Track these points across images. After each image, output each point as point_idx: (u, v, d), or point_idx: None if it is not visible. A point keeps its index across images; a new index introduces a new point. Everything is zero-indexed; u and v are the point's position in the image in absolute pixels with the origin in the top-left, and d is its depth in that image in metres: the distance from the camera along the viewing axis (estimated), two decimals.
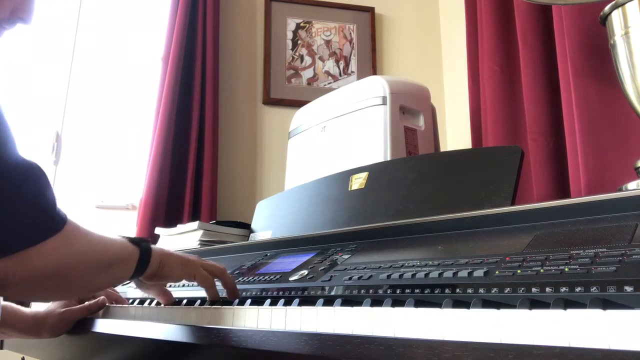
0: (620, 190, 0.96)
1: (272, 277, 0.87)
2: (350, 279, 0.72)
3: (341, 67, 2.40)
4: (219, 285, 0.85)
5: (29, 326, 0.94)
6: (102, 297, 0.98)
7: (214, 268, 0.85)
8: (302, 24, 2.40)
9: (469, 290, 0.57)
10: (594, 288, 0.48)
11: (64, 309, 0.94)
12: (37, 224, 0.63)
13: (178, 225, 1.52)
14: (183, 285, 1.01)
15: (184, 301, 0.92)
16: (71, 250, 0.67)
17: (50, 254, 0.64)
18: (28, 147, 2.10)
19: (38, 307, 0.98)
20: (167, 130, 2.00)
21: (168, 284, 0.93)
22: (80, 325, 0.94)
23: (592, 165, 1.25)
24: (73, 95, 2.19)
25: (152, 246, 0.79)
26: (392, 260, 0.73)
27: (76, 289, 0.74)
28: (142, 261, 0.77)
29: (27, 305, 1.02)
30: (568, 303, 0.47)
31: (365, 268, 0.74)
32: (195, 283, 0.85)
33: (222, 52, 2.26)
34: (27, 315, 0.95)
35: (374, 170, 1.11)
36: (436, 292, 0.60)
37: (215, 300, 0.84)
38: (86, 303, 0.96)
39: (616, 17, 1.03)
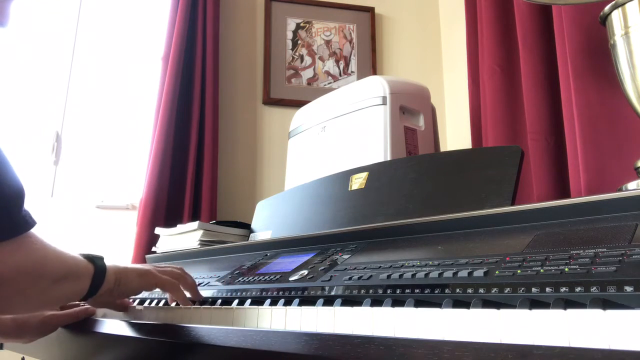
0: (620, 190, 0.96)
1: (272, 277, 0.87)
2: (350, 279, 0.72)
3: (341, 67, 2.40)
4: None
5: (8, 328, 0.92)
6: (90, 306, 0.97)
7: (172, 273, 0.85)
8: (302, 24, 2.40)
9: (469, 290, 0.57)
10: (594, 288, 0.48)
11: (49, 313, 0.92)
12: None
13: (178, 225, 1.52)
14: None
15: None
16: (26, 257, 0.65)
17: (5, 259, 0.63)
18: (28, 147, 2.10)
19: None
20: (167, 130, 2.00)
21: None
22: (80, 325, 0.94)
23: (592, 165, 1.25)
24: (73, 95, 2.19)
25: (107, 264, 0.78)
26: (392, 260, 0.73)
27: (28, 300, 0.71)
28: (97, 278, 0.76)
29: None
30: (568, 303, 0.47)
31: (365, 268, 0.74)
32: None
33: (222, 52, 2.26)
34: (6, 317, 0.93)
35: (374, 170, 1.11)
36: (436, 292, 0.60)
37: (185, 303, 0.85)
38: (74, 309, 0.95)
39: (616, 17, 1.03)
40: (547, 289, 0.51)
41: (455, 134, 2.26)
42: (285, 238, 1.09)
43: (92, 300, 0.80)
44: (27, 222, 0.66)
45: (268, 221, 1.37)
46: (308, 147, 1.54)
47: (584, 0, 1.22)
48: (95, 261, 0.77)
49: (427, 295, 0.60)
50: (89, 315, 0.94)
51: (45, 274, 0.69)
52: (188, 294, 0.89)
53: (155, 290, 1.06)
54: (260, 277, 0.90)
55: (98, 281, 0.76)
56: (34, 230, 0.67)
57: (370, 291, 0.67)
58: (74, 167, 2.13)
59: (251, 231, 1.43)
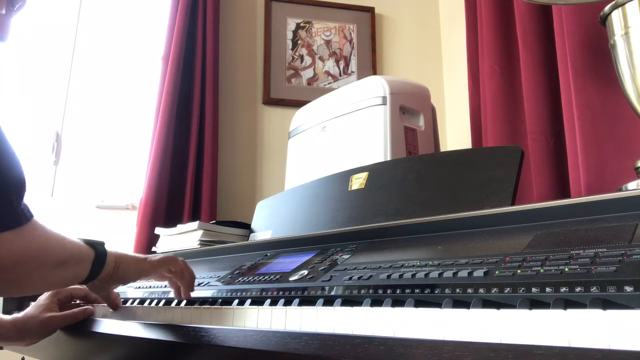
0: (620, 190, 0.96)
1: (272, 277, 0.87)
2: (350, 279, 0.72)
3: (341, 67, 2.40)
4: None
5: (9, 332, 0.92)
6: (89, 306, 0.97)
7: (164, 258, 0.87)
8: (302, 24, 2.40)
9: (469, 290, 0.57)
10: (594, 288, 0.48)
11: (48, 315, 0.93)
12: (0, 214, 0.64)
13: (178, 225, 1.52)
14: None
15: (184, 301, 0.92)
16: (28, 244, 0.67)
17: (8, 246, 0.64)
18: (28, 147, 2.10)
19: (16, 313, 0.97)
20: (167, 130, 2.00)
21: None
22: (80, 325, 0.94)
23: (592, 165, 1.25)
24: (73, 95, 2.19)
25: (108, 249, 0.81)
26: (392, 260, 0.73)
27: (30, 284, 0.74)
28: (98, 262, 0.78)
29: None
30: (568, 303, 0.47)
31: (365, 268, 0.74)
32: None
33: (222, 52, 2.26)
34: (5, 320, 0.94)
35: (374, 170, 1.11)
36: (436, 292, 0.60)
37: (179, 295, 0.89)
38: (72, 310, 0.95)
39: (616, 17, 1.03)
40: (547, 289, 0.51)
41: (455, 134, 2.26)
42: (285, 238, 1.09)
43: (91, 285, 0.82)
44: (25, 213, 0.67)
45: (268, 221, 1.37)
46: (308, 147, 1.54)
47: (584, 0, 1.22)
48: (96, 246, 0.79)
49: (427, 295, 0.60)
50: (88, 316, 0.95)
51: (47, 259, 0.71)
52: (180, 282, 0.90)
53: (155, 290, 1.07)
54: (260, 277, 0.90)
55: (99, 265, 0.78)
56: (34, 219, 0.69)
57: (370, 291, 0.67)
58: (74, 167, 2.13)
59: (251, 231, 1.43)
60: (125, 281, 0.86)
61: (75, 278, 0.78)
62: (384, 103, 1.33)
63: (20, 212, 0.66)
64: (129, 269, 0.83)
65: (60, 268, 0.73)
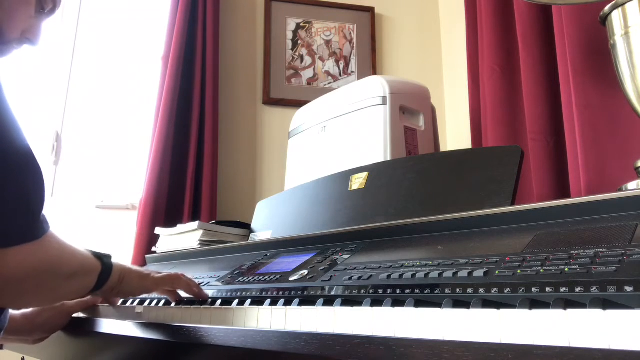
0: (620, 190, 0.96)
1: (272, 277, 0.87)
2: (350, 279, 0.72)
3: (341, 67, 2.39)
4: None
5: (20, 325, 0.93)
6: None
7: (167, 276, 0.88)
8: (302, 24, 2.40)
9: (469, 290, 0.57)
10: (594, 288, 0.48)
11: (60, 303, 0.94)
12: (21, 226, 0.64)
13: (178, 225, 1.52)
14: None
15: (183, 302, 0.92)
16: (44, 256, 0.68)
17: (25, 258, 0.65)
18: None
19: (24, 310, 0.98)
20: (167, 130, 2.00)
21: None
22: (80, 325, 0.94)
23: (592, 165, 1.25)
24: (73, 95, 2.19)
25: (114, 262, 0.81)
26: (392, 260, 0.73)
27: (41, 296, 0.75)
28: (103, 275, 0.79)
29: None
30: (568, 303, 0.47)
31: (365, 268, 0.74)
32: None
33: (222, 52, 2.26)
34: (16, 314, 0.94)
35: (374, 170, 1.11)
36: (436, 292, 0.60)
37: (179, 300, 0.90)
38: (84, 299, 0.96)
39: (616, 17, 1.03)
40: (547, 289, 0.51)
41: (455, 134, 2.26)
42: (285, 238, 1.09)
43: (93, 294, 0.83)
44: (44, 225, 0.68)
45: (268, 221, 1.37)
46: (308, 147, 1.54)
47: (584, 0, 1.22)
48: (102, 259, 0.80)
49: (427, 295, 0.60)
50: (96, 303, 0.97)
51: (60, 271, 0.71)
52: (188, 295, 0.90)
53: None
54: (260, 277, 0.90)
55: (104, 278, 0.79)
56: (50, 229, 0.69)
57: (370, 291, 0.67)
58: (74, 167, 2.13)
59: (251, 231, 1.43)
60: (126, 295, 0.88)
61: (82, 290, 0.79)
62: (384, 103, 1.33)
63: (40, 225, 0.66)
64: (132, 284, 0.84)
65: (70, 280, 0.74)
